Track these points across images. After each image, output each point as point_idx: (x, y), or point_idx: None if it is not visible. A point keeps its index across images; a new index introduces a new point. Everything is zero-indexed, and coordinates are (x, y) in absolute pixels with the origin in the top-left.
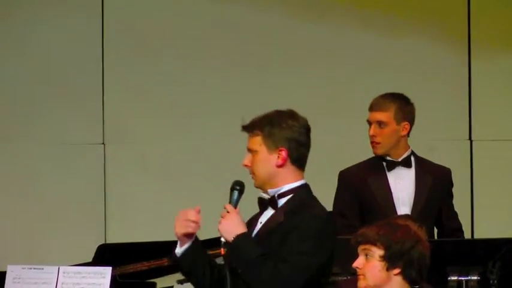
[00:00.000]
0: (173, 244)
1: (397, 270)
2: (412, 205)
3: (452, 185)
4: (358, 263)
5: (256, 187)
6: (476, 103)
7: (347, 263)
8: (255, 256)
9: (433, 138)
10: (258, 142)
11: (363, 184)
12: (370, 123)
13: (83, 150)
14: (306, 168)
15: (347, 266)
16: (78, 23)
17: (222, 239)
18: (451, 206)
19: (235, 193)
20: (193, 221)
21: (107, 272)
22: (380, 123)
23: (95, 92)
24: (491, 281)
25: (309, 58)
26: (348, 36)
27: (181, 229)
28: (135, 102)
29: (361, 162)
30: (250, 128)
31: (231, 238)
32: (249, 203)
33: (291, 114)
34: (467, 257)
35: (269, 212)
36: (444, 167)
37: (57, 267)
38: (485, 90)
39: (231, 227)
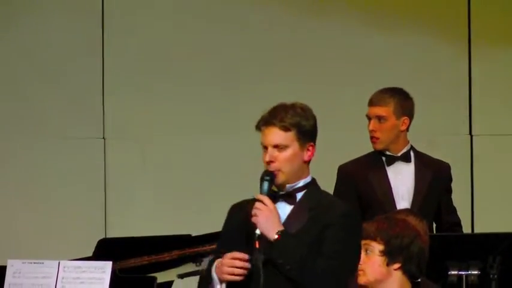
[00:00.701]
0: (173, 238)
1: (397, 265)
2: (411, 200)
3: (451, 180)
4: (361, 258)
5: (280, 183)
6: (477, 98)
7: None
8: (305, 254)
9: (433, 133)
10: (290, 138)
11: (363, 179)
12: (369, 118)
13: (83, 144)
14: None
15: None
16: (79, 18)
17: (258, 232)
18: (450, 201)
19: (266, 183)
20: (242, 268)
21: (107, 266)
22: (379, 118)
23: (95, 87)
24: (491, 276)
25: (308, 54)
26: (348, 32)
27: (227, 276)
28: (135, 97)
29: (360, 157)
30: (281, 122)
31: (272, 234)
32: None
33: (309, 108)
34: (467, 251)
35: (282, 206)
36: (443, 162)
37: (58, 261)
38: (485, 85)
39: (271, 222)
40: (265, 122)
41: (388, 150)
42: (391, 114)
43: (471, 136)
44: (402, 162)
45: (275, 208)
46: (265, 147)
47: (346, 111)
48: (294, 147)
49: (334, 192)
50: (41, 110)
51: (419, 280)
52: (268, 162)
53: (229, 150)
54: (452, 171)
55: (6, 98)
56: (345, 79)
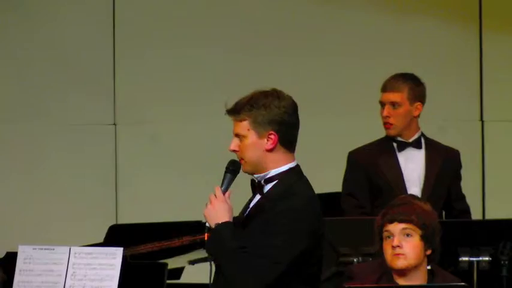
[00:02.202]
0: (184, 224)
1: (429, 251)
2: (422, 186)
3: (461, 167)
4: (400, 242)
5: (245, 171)
6: (488, 84)
7: (356, 244)
8: (232, 248)
9: (444, 119)
10: (245, 127)
11: (374, 164)
12: (382, 104)
13: (94, 130)
14: (315, 152)
15: (356, 247)
16: (90, 4)
17: (207, 224)
18: (459, 188)
19: (228, 175)
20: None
21: (118, 252)
22: (393, 104)
23: (106, 73)
24: (502, 262)
25: (318, 40)
26: (359, 17)
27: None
28: (146, 83)
29: (370, 143)
30: (235, 112)
31: (213, 225)
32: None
33: (277, 95)
34: (478, 237)
35: (258, 197)
36: (453, 149)
37: (69, 247)
38: (497, 71)
39: (215, 214)
40: (226, 112)
41: (400, 136)
42: (405, 100)
43: (482, 122)
44: (413, 149)
45: (224, 199)
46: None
47: (356, 96)
48: (251, 136)
49: (344, 178)
50: (52, 97)
51: (429, 267)
52: (233, 151)
53: None
54: (463, 157)
55: (18, 85)
56: (355, 64)
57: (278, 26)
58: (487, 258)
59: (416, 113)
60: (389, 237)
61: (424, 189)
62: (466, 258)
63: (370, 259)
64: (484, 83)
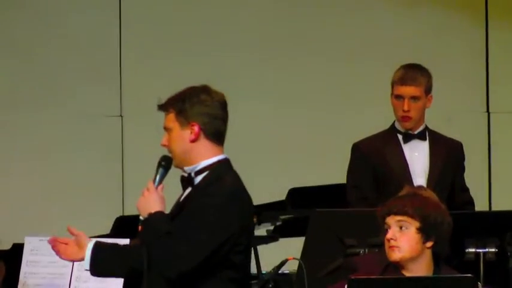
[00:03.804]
0: None
1: (430, 243)
2: (427, 177)
3: (464, 159)
4: (393, 235)
5: (176, 166)
6: (494, 75)
7: (363, 235)
8: (160, 233)
9: (450, 110)
10: (171, 119)
11: (379, 156)
12: (400, 97)
13: (101, 122)
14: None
15: (363, 239)
16: None
17: (141, 217)
18: (463, 180)
19: (160, 169)
20: None
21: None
22: (414, 98)
23: (112, 64)
24: (508, 253)
25: (324, 30)
26: (364, 8)
27: None
28: (152, 75)
29: (375, 135)
30: (163, 106)
31: (145, 215)
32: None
33: (204, 89)
34: (484, 229)
35: (188, 190)
36: (456, 140)
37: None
38: (503, 62)
39: (147, 205)
40: (158, 108)
41: (411, 128)
42: (423, 93)
43: (488, 113)
44: (418, 140)
45: (156, 193)
46: None
47: (362, 88)
48: (176, 128)
49: (348, 170)
50: (59, 88)
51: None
52: (163, 146)
53: (244, 127)
54: (469, 148)
55: (26, 77)
56: (360, 55)
57: (282, 24)
58: (493, 250)
59: (428, 105)
60: (387, 229)
61: (429, 181)
62: (473, 250)
63: (377, 250)
64: (490, 74)
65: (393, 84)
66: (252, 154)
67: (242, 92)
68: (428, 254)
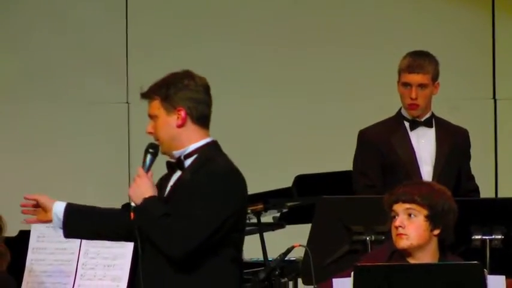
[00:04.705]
0: None
1: (437, 231)
2: (433, 164)
3: (470, 146)
4: (402, 222)
5: (163, 153)
6: (500, 61)
7: (369, 222)
8: (158, 216)
9: (457, 98)
10: (156, 106)
11: (386, 143)
12: (407, 84)
13: (107, 109)
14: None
15: (369, 226)
16: None
17: (132, 204)
18: (468, 167)
19: (148, 156)
20: None
21: None
22: (421, 86)
23: (119, 51)
24: None
25: (332, 20)
26: None
27: None
28: (159, 61)
29: (381, 122)
30: (147, 94)
31: (139, 201)
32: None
33: (187, 74)
34: (491, 216)
35: (178, 174)
36: (461, 128)
37: None
38: (510, 49)
39: (140, 191)
40: (141, 97)
41: (418, 115)
42: (430, 81)
43: (495, 100)
44: (425, 127)
45: (148, 178)
46: None
47: (367, 77)
48: (162, 114)
49: (355, 157)
50: (65, 75)
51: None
52: (149, 134)
53: (252, 114)
54: (475, 135)
55: (35, 66)
56: (366, 44)
57: (292, 17)
58: (499, 237)
59: (435, 92)
60: (394, 217)
61: (436, 168)
62: (479, 237)
63: (383, 237)
64: (496, 61)
65: (400, 71)
66: (258, 142)
67: (247, 82)
68: (434, 241)
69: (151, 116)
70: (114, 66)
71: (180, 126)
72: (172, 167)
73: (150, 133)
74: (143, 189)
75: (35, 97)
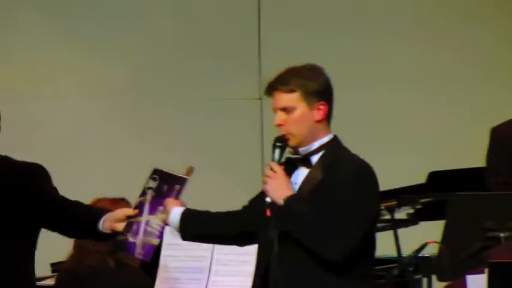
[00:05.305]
0: None
1: None
2: None
3: None
4: None
5: (293, 146)
6: None
7: (503, 219)
8: (309, 217)
9: None
10: (295, 99)
11: None
12: None
13: (240, 105)
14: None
15: (503, 222)
16: None
17: (268, 199)
18: None
19: (277, 150)
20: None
21: None
22: None
23: (251, 47)
24: None
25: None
26: None
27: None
28: (292, 56)
29: None
30: (284, 84)
31: (280, 200)
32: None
33: (320, 68)
34: (505, 211)
35: (302, 171)
36: None
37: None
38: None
39: (279, 188)
40: (270, 87)
41: None
42: None
43: None
44: None
45: (284, 174)
46: (276, 112)
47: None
48: (302, 107)
49: (487, 155)
50: (198, 72)
51: None
52: (278, 126)
53: (384, 108)
54: None
55: (167, 64)
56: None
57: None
58: None
59: None
60: None
61: None
62: (493, 233)
63: None
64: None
65: None
66: (391, 136)
67: (372, 73)
68: None
69: (285, 108)
70: (247, 62)
71: (319, 121)
72: (293, 163)
73: (280, 125)
74: (283, 186)
75: (169, 95)
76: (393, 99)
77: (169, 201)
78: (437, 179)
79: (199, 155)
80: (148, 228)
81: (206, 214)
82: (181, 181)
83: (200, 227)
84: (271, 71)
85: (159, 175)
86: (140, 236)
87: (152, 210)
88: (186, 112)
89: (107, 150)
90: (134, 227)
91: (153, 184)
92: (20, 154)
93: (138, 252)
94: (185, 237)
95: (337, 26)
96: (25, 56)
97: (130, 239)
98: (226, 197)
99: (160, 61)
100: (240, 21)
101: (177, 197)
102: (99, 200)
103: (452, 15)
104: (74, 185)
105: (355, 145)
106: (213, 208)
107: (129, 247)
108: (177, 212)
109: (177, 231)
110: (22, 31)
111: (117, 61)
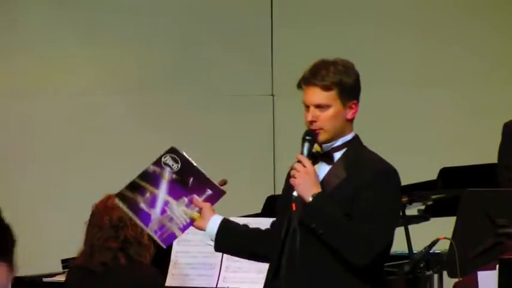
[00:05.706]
0: None
1: None
2: None
3: None
4: None
5: (322, 142)
6: None
7: None
8: (339, 217)
9: None
10: (331, 97)
11: None
12: None
13: (253, 101)
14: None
15: None
16: None
17: (295, 194)
18: None
19: (306, 144)
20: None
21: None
22: None
23: (263, 44)
24: None
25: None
26: None
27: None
28: (304, 54)
29: None
30: (320, 82)
31: (308, 196)
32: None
33: (352, 64)
34: None
35: (323, 167)
36: None
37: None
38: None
39: (307, 184)
40: (305, 81)
41: None
42: None
43: None
44: None
45: (314, 169)
46: (307, 106)
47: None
48: (337, 106)
49: (499, 150)
50: (211, 68)
51: None
52: (311, 122)
53: (396, 105)
54: None
55: (181, 58)
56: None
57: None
58: None
59: None
60: None
61: None
62: (505, 230)
63: None
64: None
65: None
66: (402, 133)
67: (386, 71)
68: None
69: (319, 105)
70: (259, 59)
71: (349, 120)
72: (314, 157)
73: (312, 121)
74: (312, 182)
75: (182, 92)
76: (405, 97)
77: (208, 207)
78: (449, 175)
79: (211, 150)
80: (170, 213)
81: (243, 231)
82: (215, 190)
83: (236, 243)
84: (284, 68)
85: (182, 160)
86: (157, 212)
87: (172, 193)
88: (199, 108)
89: (122, 146)
90: (148, 195)
91: (171, 162)
92: (36, 151)
93: (154, 229)
94: (219, 249)
95: (350, 22)
96: (35, 54)
97: (143, 206)
98: (238, 192)
99: (173, 58)
100: (253, 18)
101: (212, 204)
102: (109, 197)
103: (469, 14)
104: (91, 180)
105: (366, 143)
106: (224, 202)
107: (141, 214)
108: (216, 221)
109: (212, 240)
110: (32, 28)
111: (131, 58)
